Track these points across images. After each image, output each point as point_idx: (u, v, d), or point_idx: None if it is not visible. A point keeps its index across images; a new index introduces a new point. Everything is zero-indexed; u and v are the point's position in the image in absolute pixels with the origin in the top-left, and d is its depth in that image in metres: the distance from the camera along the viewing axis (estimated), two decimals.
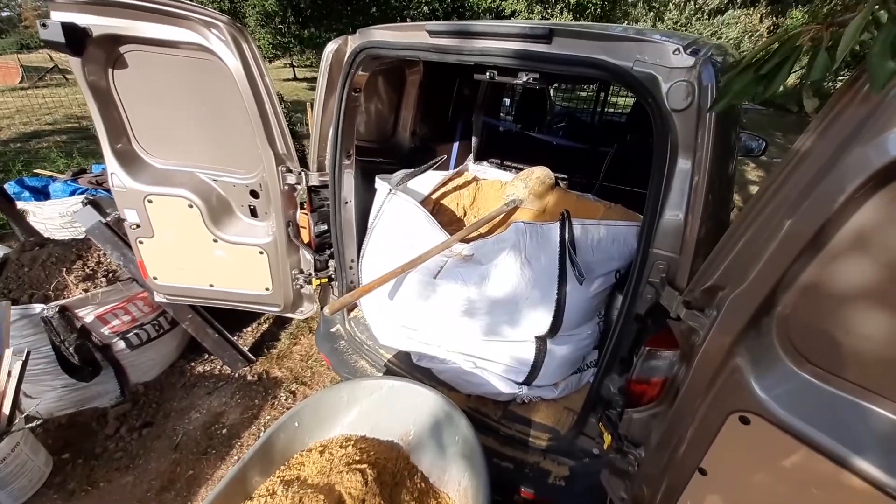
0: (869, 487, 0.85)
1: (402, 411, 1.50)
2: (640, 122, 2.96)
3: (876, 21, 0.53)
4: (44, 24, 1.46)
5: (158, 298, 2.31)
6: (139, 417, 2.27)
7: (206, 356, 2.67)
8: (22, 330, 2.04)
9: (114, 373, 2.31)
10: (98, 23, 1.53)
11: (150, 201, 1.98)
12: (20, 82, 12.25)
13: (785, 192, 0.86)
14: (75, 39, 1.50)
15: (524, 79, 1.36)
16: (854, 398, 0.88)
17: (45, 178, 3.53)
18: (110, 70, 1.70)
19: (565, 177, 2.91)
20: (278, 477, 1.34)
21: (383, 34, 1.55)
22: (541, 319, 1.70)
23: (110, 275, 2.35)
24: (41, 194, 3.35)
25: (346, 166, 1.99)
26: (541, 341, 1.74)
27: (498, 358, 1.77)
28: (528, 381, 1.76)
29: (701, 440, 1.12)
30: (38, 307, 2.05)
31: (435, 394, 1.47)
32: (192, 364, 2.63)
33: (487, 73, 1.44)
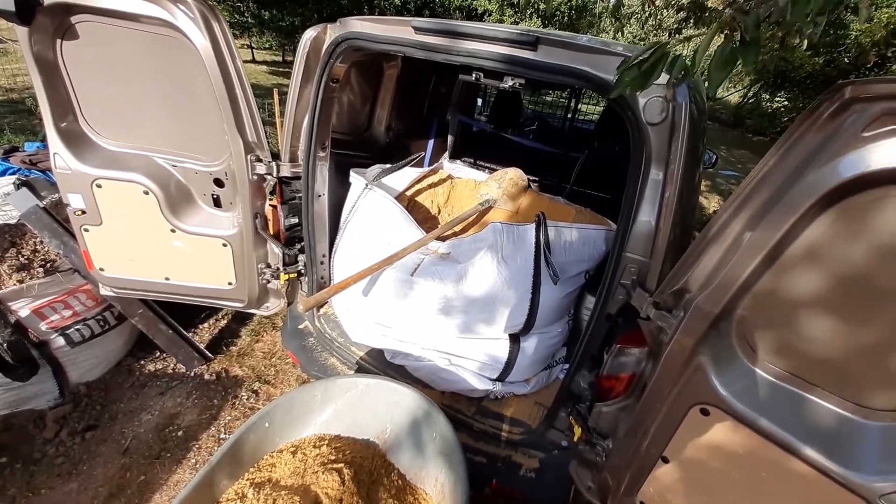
0: (811, 470, 0.95)
1: (378, 409, 1.49)
2: (609, 130, 3.10)
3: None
4: None
5: (104, 291, 2.13)
6: (81, 420, 2.09)
7: (158, 354, 2.50)
8: None
9: (52, 372, 2.10)
10: None
11: (98, 186, 1.81)
12: None
13: (747, 209, 0.95)
14: (26, 8, 1.34)
15: (509, 83, 1.38)
16: (800, 391, 0.99)
17: None
18: (59, 41, 1.54)
19: (536, 179, 2.98)
20: (248, 480, 1.29)
21: (367, 26, 1.52)
22: (515, 317, 1.75)
23: (48, 265, 2.14)
24: None
25: (321, 158, 1.93)
26: (514, 339, 1.79)
27: (473, 355, 1.80)
28: (501, 378, 1.80)
29: (665, 430, 1.20)
30: None
31: (412, 391, 1.47)
32: (142, 362, 2.45)
33: (474, 75, 1.45)
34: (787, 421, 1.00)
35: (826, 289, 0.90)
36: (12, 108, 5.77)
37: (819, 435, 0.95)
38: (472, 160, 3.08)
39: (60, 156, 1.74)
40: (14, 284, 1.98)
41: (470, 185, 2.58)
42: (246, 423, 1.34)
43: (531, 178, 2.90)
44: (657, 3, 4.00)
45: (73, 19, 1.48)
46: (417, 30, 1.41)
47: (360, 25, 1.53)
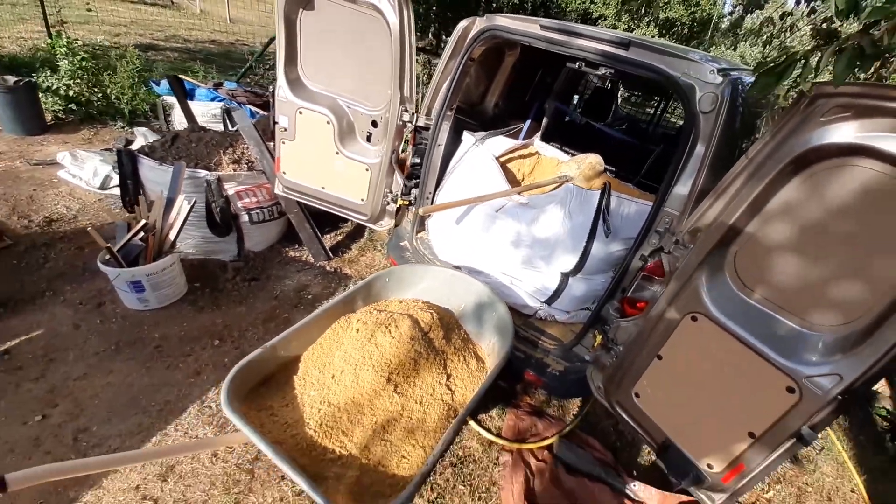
0: (761, 361, 1.37)
1: (457, 291, 2.12)
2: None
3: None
4: None
5: (277, 190, 3.01)
6: (249, 273, 3.01)
7: (298, 246, 3.39)
8: (188, 187, 2.79)
9: (237, 237, 3.05)
10: None
11: (300, 113, 2.64)
12: None
13: (740, 178, 1.38)
14: None
15: (602, 72, 1.87)
16: (765, 309, 1.40)
17: (192, 83, 4.33)
18: (301, 10, 2.35)
19: (614, 170, 3.39)
20: (373, 307, 1.99)
21: (506, 21, 2.11)
22: (568, 260, 2.26)
23: (249, 164, 3.08)
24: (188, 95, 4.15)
25: (447, 117, 2.58)
26: (565, 276, 2.31)
27: (530, 281, 2.35)
28: (549, 302, 2.33)
29: (664, 334, 1.66)
30: (202, 172, 2.80)
31: (483, 285, 2.07)
32: (287, 249, 3.36)
33: (577, 64, 1.98)
34: (750, 327, 1.42)
35: (791, 234, 1.32)
36: (227, 55, 7.34)
37: (772, 336, 1.37)
38: (559, 145, 3.56)
39: (282, 88, 2.59)
40: (230, 171, 2.92)
41: (553, 162, 3.08)
42: (375, 274, 2.05)
43: (610, 168, 3.32)
44: (779, 25, 4.07)
45: None
46: (543, 27, 1.97)
47: (501, 20, 2.13)
